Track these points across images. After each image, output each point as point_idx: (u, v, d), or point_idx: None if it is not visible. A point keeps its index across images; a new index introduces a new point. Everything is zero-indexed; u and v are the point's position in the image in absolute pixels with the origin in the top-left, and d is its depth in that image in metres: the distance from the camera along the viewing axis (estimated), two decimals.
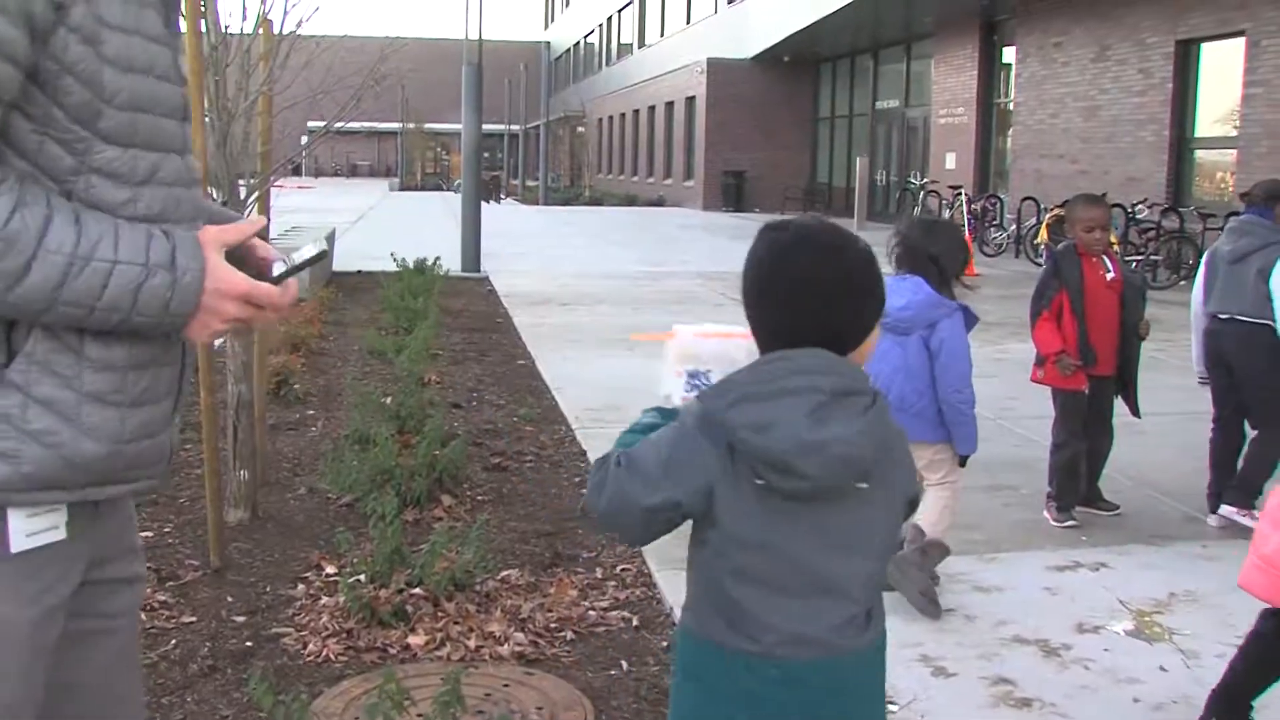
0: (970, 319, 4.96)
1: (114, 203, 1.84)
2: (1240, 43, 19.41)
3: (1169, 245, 18.60)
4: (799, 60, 38.32)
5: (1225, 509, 6.12)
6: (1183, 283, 17.84)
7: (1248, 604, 5.10)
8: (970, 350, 4.94)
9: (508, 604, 4.75)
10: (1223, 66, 20.16)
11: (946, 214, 25.17)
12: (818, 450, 2.11)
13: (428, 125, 69.90)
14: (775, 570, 2.20)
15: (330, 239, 16.92)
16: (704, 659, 2.27)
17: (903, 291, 4.83)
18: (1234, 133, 19.68)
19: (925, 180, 28.95)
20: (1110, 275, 6.10)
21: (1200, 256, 18.12)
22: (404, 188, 59.43)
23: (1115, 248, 18.12)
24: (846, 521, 2.20)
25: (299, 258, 2.05)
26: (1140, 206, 20.17)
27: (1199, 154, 21.36)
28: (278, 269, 2.03)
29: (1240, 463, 6.20)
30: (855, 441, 2.13)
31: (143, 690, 2.27)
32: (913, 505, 2.31)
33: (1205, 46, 20.86)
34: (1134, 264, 18.02)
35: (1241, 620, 4.85)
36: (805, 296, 2.20)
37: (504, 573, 5.08)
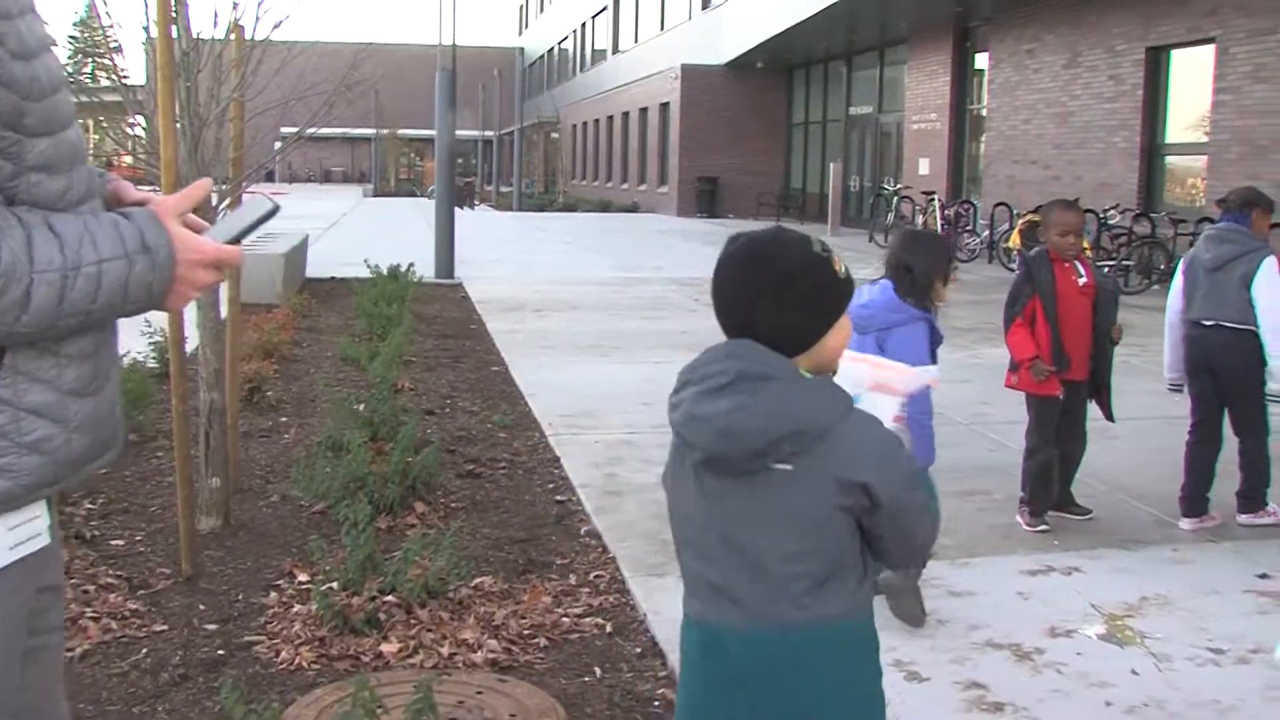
0: (935, 334, 4.96)
1: (55, 193, 1.80)
2: (1210, 50, 19.52)
3: (1141, 250, 18.69)
4: (773, 66, 38.40)
5: (1242, 518, 6.24)
6: (1155, 287, 17.94)
7: (1219, 607, 5.14)
8: (927, 361, 4.91)
9: (481, 611, 4.74)
10: (1193, 73, 20.29)
11: (920, 220, 25.28)
12: (703, 422, 2.33)
13: (402, 131, 69.74)
14: (703, 541, 2.42)
15: (303, 245, 16.87)
16: (681, 628, 2.57)
17: (870, 293, 4.89)
18: (1204, 139, 19.79)
19: (899, 186, 29.03)
20: (1083, 280, 6.12)
21: (1172, 262, 18.31)
22: (378, 194, 59.26)
23: (1088, 253, 18.21)
24: (769, 500, 2.33)
25: (250, 216, 2.02)
26: (1112, 212, 20.27)
27: (1170, 160, 21.47)
28: (223, 231, 1.99)
29: (1239, 476, 6.26)
30: (733, 416, 2.29)
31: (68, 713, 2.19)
32: (869, 492, 2.31)
33: (1175, 53, 20.98)
34: (1106, 269, 18.09)
35: (1212, 623, 4.89)
36: (729, 298, 2.40)
37: (477, 580, 5.06)
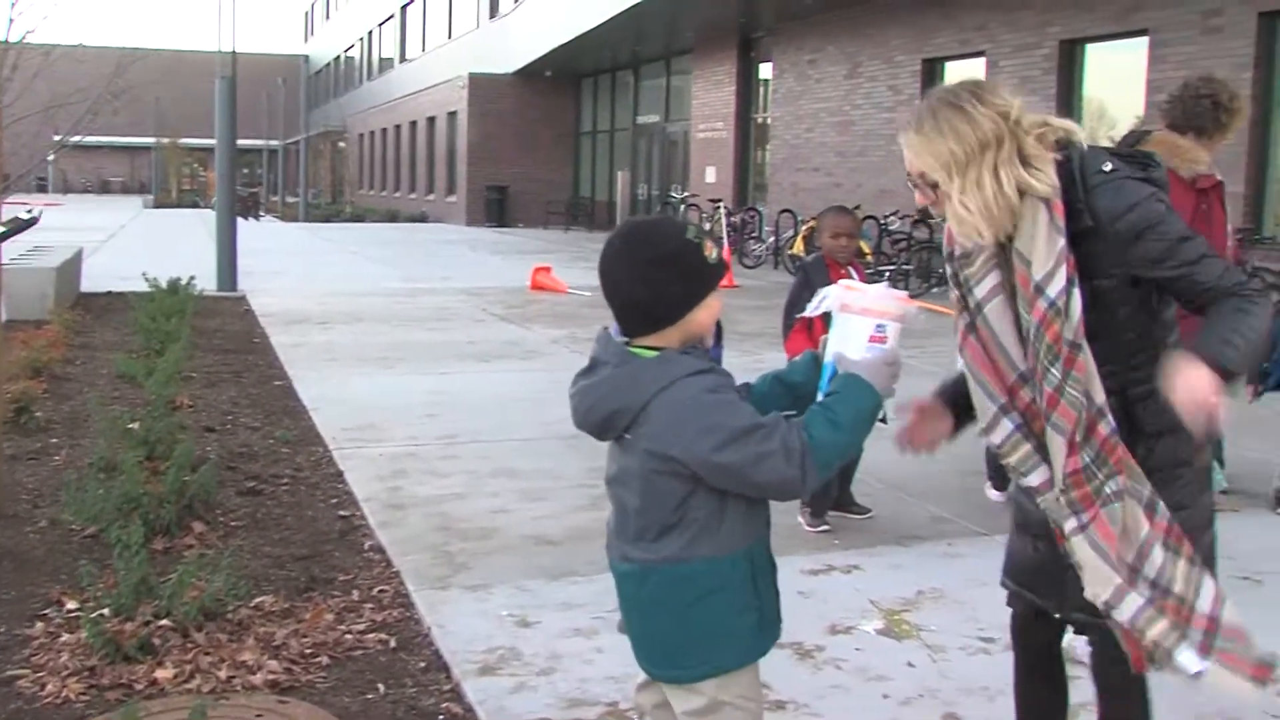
0: None
1: None
2: (980, 62, 20.27)
3: (919, 255, 19.30)
4: (561, 75, 38.52)
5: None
6: (934, 290, 18.52)
7: (989, 598, 5.30)
8: None
9: (261, 631, 4.63)
10: None
11: (707, 227, 25.62)
12: (569, 400, 2.71)
13: (183, 140, 67.85)
14: (608, 491, 2.79)
15: (77, 258, 16.27)
16: None
17: None
18: None
19: (686, 194, 29.41)
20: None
21: None
22: (158, 205, 57.50)
23: (869, 258, 18.74)
24: (624, 462, 2.67)
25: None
26: (892, 218, 20.88)
27: None
28: None
29: None
30: (576, 397, 2.68)
31: None
32: (680, 461, 2.56)
33: (949, 65, 21.73)
34: (887, 273, 18.63)
35: (983, 614, 5.04)
36: (608, 278, 2.69)
37: (257, 599, 4.94)
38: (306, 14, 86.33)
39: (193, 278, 15.23)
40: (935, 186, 2.90)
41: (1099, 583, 2.84)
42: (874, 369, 2.68)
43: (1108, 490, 2.82)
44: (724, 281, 2.76)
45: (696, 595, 2.66)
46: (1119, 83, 17.93)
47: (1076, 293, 2.78)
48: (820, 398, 2.70)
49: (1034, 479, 2.90)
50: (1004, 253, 2.90)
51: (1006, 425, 2.91)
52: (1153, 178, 2.92)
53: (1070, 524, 2.86)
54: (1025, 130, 2.89)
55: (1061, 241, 2.78)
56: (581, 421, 2.70)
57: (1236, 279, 2.77)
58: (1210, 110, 5.73)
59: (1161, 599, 2.81)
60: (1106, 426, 2.82)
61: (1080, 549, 2.85)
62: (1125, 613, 2.82)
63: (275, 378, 10.44)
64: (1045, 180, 2.83)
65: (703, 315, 2.66)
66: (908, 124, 2.94)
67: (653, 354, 2.63)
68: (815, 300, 2.82)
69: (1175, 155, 5.63)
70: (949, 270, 3.05)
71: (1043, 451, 2.87)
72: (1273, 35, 15.15)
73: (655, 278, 2.62)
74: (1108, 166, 2.90)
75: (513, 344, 12.58)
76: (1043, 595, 3.16)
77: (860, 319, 2.74)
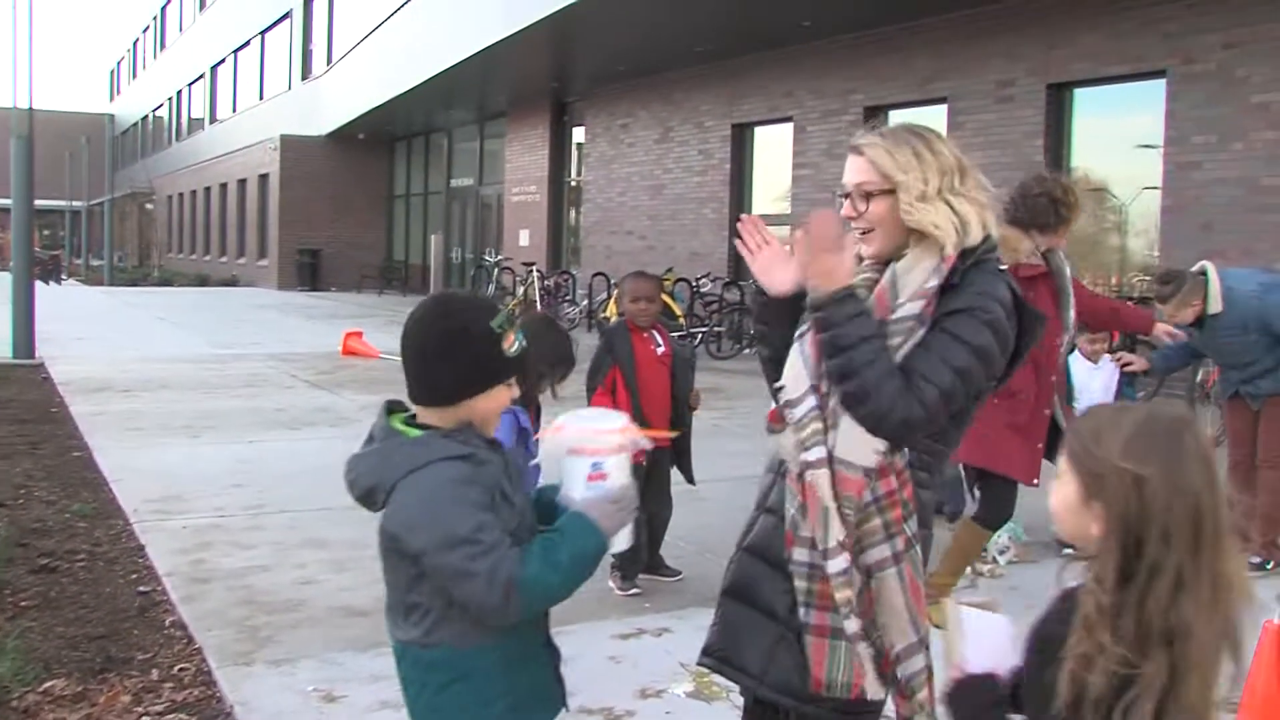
0: (520, 427, 4.73)
1: None
2: (789, 128, 20.76)
3: (731, 317, 19.57)
4: (374, 138, 38.28)
5: None
6: (745, 352, 18.80)
7: None
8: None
9: (51, 718, 4.44)
10: (774, 149, 21.50)
11: (519, 290, 25.66)
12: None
13: None
14: None
15: None
16: None
17: None
18: (787, 210, 20.96)
19: (500, 257, 29.42)
20: (661, 349, 6.34)
21: None
22: None
23: (681, 320, 18.95)
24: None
25: None
26: (704, 280, 21.17)
27: None
28: None
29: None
30: (346, 466, 2.66)
31: None
32: (402, 542, 2.53)
33: (758, 130, 22.20)
34: (699, 335, 18.85)
35: None
36: (403, 346, 2.67)
37: (47, 684, 4.75)
38: (112, 72, 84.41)
39: None
40: (869, 198, 3.01)
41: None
42: (598, 508, 2.60)
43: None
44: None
45: (440, 683, 2.61)
46: None
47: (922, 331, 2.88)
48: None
49: (813, 455, 2.93)
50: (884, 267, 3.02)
51: (810, 401, 2.95)
52: (1011, 284, 3.03)
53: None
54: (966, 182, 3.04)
55: (935, 283, 2.90)
56: (350, 492, 2.65)
57: (909, 405, 2.84)
58: (1049, 207, 6.00)
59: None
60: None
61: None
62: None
63: (74, 449, 10.09)
64: (971, 232, 2.96)
65: (484, 404, 2.62)
66: (867, 138, 3.07)
67: (415, 434, 2.60)
68: (544, 447, 2.74)
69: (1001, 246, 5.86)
70: None
71: (826, 434, 2.92)
72: (1060, 105, 15.85)
73: (442, 353, 2.59)
74: (998, 252, 3.07)
75: (323, 410, 12.39)
76: (741, 661, 3.06)
77: (574, 459, 2.66)
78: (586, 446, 2.65)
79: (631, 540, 2.76)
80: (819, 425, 2.92)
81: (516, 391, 2.69)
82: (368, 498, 2.60)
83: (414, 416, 2.66)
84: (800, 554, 2.93)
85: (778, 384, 3.03)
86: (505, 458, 2.65)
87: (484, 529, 2.46)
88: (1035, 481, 6.02)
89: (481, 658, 2.59)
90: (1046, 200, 6.00)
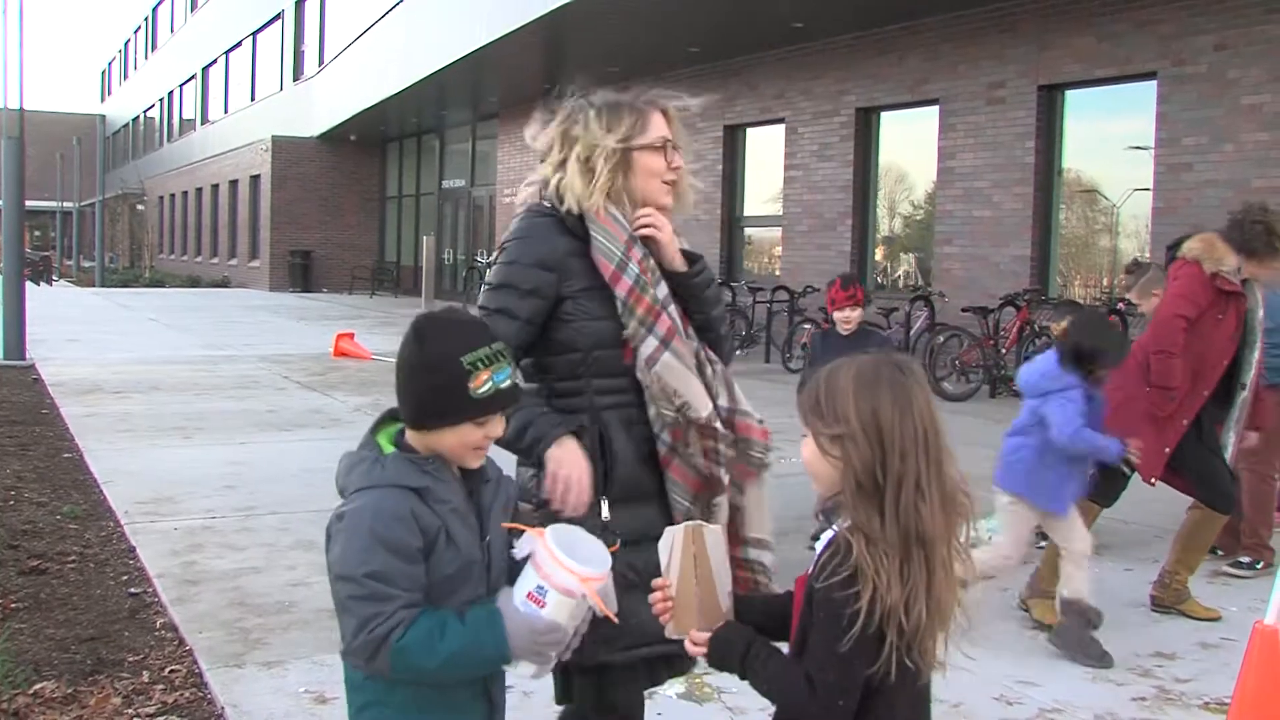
0: (1092, 402, 5.47)
1: None
2: (780, 129, 20.77)
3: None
4: (366, 139, 38.25)
5: None
6: (737, 353, 18.78)
7: None
8: (1078, 424, 5.39)
9: None
10: (767, 151, 21.50)
11: None
12: None
13: None
14: None
15: None
16: None
17: (1037, 361, 5.73)
18: (779, 212, 20.97)
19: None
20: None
21: (753, 328, 19.29)
22: None
23: None
24: None
25: None
26: None
27: (749, 231, 22.64)
28: None
29: None
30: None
31: None
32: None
33: (750, 131, 22.20)
34: None
35: None
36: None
37: (37, 685, 4.74)
38: (103, 73, 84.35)
39: None
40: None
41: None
42: (518, 625, 2.44)
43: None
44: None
45: (358, 704, 2.56)
46: (913, 149, 18.57)
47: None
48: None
49: (761, 456, 3.19)
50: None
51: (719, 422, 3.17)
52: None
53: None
54: None
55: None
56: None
57: None
58: (1264, 236, 6.14)
59: None
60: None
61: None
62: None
63: (65, 450, 10.08)
64: None
65: (449, 440, 2.54)
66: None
67: (389, 450, 2.55)
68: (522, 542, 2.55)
69: (1207, 251, 6.17)
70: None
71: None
72: (1052, 106, 15.87)
73: (408, 378, 2.55)
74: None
75: (315, 412, 12.37)
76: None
77: (530, 569, 2.50)
78: (542, 567, 2.47)
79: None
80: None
81: (497, 431, 2.57)
82: (342, 495, 2.57)
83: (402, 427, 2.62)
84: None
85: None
86: (483, 493, 2.59)
87: (383, 576, 2.37)
88: (1154, 480, 6.18)
89: (391, 693, 2.49)
90: (1263, 229, 6.14)
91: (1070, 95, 15.85)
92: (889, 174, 19.46)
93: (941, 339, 14.94)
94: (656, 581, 2.45)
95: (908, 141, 18.85)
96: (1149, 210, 14.56)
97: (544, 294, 3.18)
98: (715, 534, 2.46)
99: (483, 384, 2.50)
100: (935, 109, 17.46)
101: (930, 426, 2.33)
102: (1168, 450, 6.12)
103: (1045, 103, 15.84)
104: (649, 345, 3.13)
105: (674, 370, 3.14)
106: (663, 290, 3.22)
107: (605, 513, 3.11)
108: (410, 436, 2.57)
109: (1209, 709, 4.87)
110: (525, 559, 2.52)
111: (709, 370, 3.26)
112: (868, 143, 19.27)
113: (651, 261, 3.24)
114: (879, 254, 19.74)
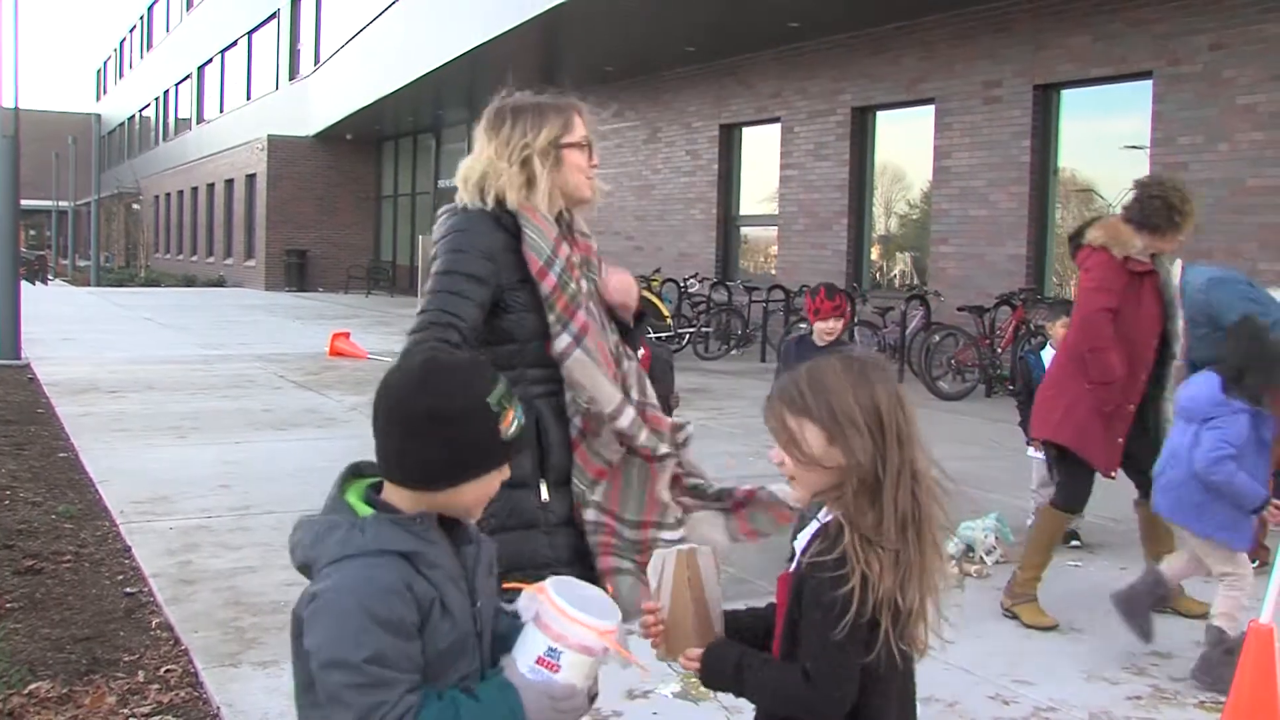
0: (1263, 423, 5.20)
1: None
2: (776, 128, 20.78)
3: (719, 317, 19.57)
4: (362, 138, 38.24)
5: None
6: (733, 353, 18.81)
7: None
8: (1245, 447, 5.16)
9: None
10: (762, 150, 21.51)
11: None
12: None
13: None
14: None
15: None
16: None
17: (1198, 383, 5.34)
18: (774, 211, 20.97)
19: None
20: (639, 352, 6.32)
21: (748, 328, 19.31)
22: None
23: (669, 321, 18.95)
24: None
25: None
26: (692, 281, 21.17)
27: (744, 231, 22.64)
28: None
29: None
30: (294, 527, 2.27)
31: None
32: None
33: (746, 131, 22.21)
34: (686, 336, 18.85)
35: None
36: (378, 413, 2.26)
37: (32, 685, 4.73)
38: (99, 71, 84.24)
39: None
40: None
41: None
42: (535, 697, 2.17)
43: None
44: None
45: None
46: (909, 148, 18.57)
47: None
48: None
49: (666, 448, 3.28)
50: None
51: (630, 411, 3.32)
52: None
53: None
54: None
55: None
56: (291, 558, 2.28)
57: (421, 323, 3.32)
58: (1164, 210, 6.02)
59: None
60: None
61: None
62: None
63: (60, 449, 10.07)
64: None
65: (469, 497, 2.25)
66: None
67: (366, 512, 2.21)
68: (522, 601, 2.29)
69: (1113, 237, 6.06)
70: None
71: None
72: (1047, 106, 15.88)
73: (423, 432, 2.19)
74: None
75: (310, 411, 12.37)
76: None
77: (536, 631, 2.22)
78: (552, 626, 2.21)
79: None
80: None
81: (507, 474, 2.30)
82: (304, 571, 2.22)
83: (379, 484, 2.29)
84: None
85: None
86: (465, 555, 2.29)
87: (381, 660, 2.07)
88: (1114, 474, 6.07)
89: None
90: (1161, 204, 6.03)
91: (1066, 95, 15.86)
92: (885, 173, 19.46)
93: (937, 338, 14.94)
94: (646, 604, 2.43)
95: (903, 141, 18.86)
96: None
97: (489, 283, 3.35)
98: (707, 555, 2.44)
99: (510, 423, 2.26)
100: (931, 108, 17.47)
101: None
102: (1121, 440, 6.03)
103: (1041, 102, 15.85)
104: (563, 341, 3.30)
105: (584, 366, 3.30)
106: (584, 286, 3.40)
107: (545, 494, 3.23)
108: (398, 497, 2.24)
109: (1204, 708, 4.88)
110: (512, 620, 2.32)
111: (624, 364, 3.48)
112: (863, 142, 19.28)
113: (577, 258, 3.42)
114: (875, 253, 19.75)
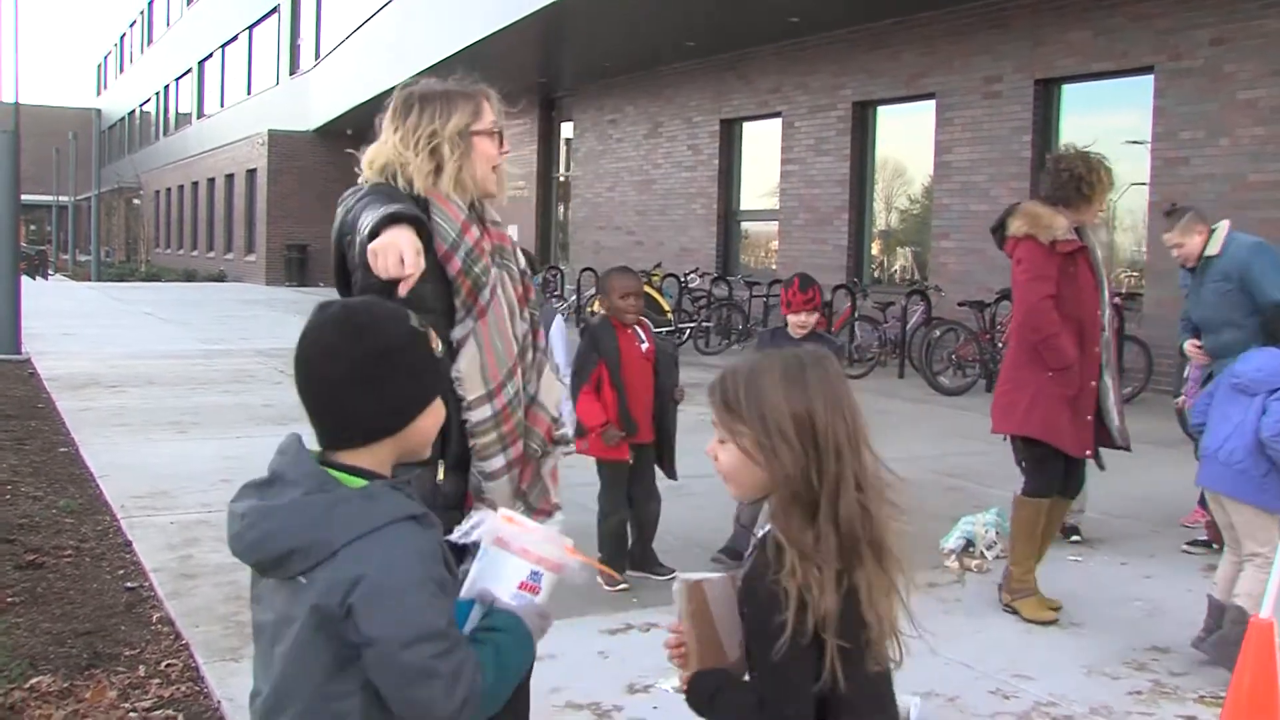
0: None
1: None
2: (777, 123, 20.77)
3: (720, 312, 19.58)
4: (362, 133, 37.83)
5: None
6: (734, 347, 18.80)
7: None
8: None
9: (36, 715, 4.43)
10: (763, 145, 21.50)
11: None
12: (229, 519, 2.15)
13: None
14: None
15: None
16: None
17: (1265, 357, 5.28)
18: (775, 206, 20.97)
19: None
20: (644, 345, 6.33)
21: (749, 322, 19.31)
22: None
23: (669, 315, 18.95)
24: (282, 610, 2.11)
25: None
26: (693, 275, 21.17)
27: (745, 225, 22.64)
28: None
29: None
30: (243, 515, 2.12)
31: None
32: (357, 626, 2.03)
33: (746, 126, 22.20)
34: (687, 330, 18.85)
35: None
36: (314, 373, 2.19)
37: (33, 680, 4.73)
38: (99, 66, 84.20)
39: None
40: None
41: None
42: (534, 621, 2.25)
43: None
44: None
45: None
46: (909, 143, 18.57)
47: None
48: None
49: (496, 463, 3.24)
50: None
51: (487, 409, 3.24)
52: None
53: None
54: None
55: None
56: (244, 550, 2.12)
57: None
58: (1071, 183, 5.99)
59: None
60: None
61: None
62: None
63: (61, 444, 10.07)
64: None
65: (428, 422, 2.24)
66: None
67: (358, 483, 2.13)
68: (466, 524, 2.31)
69: (1035, 224, 6.01)
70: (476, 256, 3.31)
71: (503, 443, 3.26)
72: (1049, 101, 15.87)
73: (378, 376, 2.15)
74: None
75: None
76: None
77: (517, 560, 2.28)
78: (533, 551, 2.28)
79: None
80: (495, 434, 3.26)
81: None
82: (281, 561, 2.07)
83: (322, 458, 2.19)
84: None
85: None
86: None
87: (452, 621, 2.10)
88: (1088, 453, 6.02)
89: None
90: (1069, 177, 6.00)
91: (1067, 90, 15.86)
92: (885, 168, 19.46)
93: (938, 333, 14.93)
94: (671, 625, 2.44)
95: (904, 136, 18.85)
96: (1146, 204, 14.57)
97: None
98: (715, 586, 2.43)
99: (436, 342, 2.28)
100: (932, 103, 17.47)
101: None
102: (1090, 418, 5.99)
103: (1042, 97, 15.85)
104: (464, 326, 3.24)
105: (471, 359, 3.23)
106: (494, 272, 3.32)
107: (440, 474, 3.17)
108: (367, 456, 2.18)
109: (1204, 703, 4.88)
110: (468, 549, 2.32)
111: (529, 355, 3.40)
112: (864, 137, 19.28)
113: (488, 244, 3.35)
114: (875, 248, 19.75)
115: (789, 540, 2.17)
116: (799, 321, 6.48)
